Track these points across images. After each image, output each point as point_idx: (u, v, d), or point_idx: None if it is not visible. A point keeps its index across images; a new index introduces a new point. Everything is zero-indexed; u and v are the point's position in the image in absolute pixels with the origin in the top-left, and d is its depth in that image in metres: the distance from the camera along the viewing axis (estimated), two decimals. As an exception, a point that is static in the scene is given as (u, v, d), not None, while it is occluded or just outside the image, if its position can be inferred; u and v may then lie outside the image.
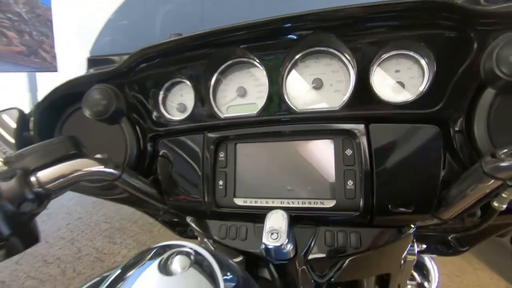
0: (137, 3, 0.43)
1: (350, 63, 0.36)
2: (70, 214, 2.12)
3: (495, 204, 0.30)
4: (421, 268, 0.54)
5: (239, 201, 0.39)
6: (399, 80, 0.35)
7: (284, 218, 0.33)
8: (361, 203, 0.34)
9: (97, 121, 0.41)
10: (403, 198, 0.34)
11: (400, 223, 0.36)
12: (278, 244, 0.31)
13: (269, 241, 0.31)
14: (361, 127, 0.35)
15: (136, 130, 0.44)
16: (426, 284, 0.52)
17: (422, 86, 0.33)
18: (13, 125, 0.43)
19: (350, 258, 0.36)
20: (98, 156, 0.36)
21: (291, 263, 0.35)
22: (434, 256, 0.50)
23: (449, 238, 0.49)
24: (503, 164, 0.25)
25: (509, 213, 0.38)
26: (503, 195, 0.29)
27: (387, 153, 0.34)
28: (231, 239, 0.39)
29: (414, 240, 0.44)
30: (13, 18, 2.70)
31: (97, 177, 0.35)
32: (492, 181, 0.27)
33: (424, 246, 0.44)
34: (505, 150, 0.26)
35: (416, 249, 0.44)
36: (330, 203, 0.36)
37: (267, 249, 0.32)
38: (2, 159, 0.34)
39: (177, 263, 0.27)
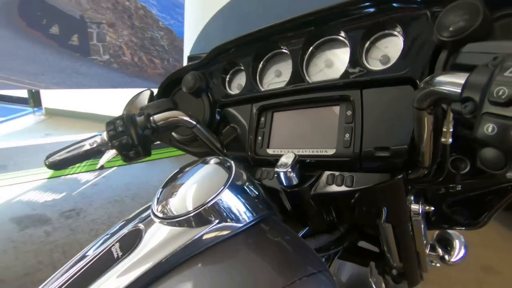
0: (214, 24, 0.67)
1: (348, 45, 0.47)
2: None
3: (442, 139, 0.34)
4: (446, 244, 0.54)
5: (270, 151, 0.55)
6: (386, 54, 0.44)
7: (292, 156, 0.46)
8: (353, 150, 0.44)
9: (189, 94, 0.65)
10: (383, 145, 0.42)
11: (384, 167, 0.43)
12: (284, 170, 0.45)
13: (279, 169, 0.46)
14: (357, 92, 0.46)
15: (210, 101, 0.66)
16: (446, 256, 0.52)
17: (398, 55, 0.42)
18: (147, 98, 0.72)
19: (346, 195, 0.46)
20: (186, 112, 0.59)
21: (300, 194, 0.48)
22: (461, 229, 0.50)
23: (459, 204, 0.49)
24: (421, 93, 0.30)
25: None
26: (444, 129, 0.33)
27: (373, 110, 0.44)
28: (263, 178, 0.55)
29: (421, 202, 0.48)
30: (159, 49, 3.70)
31: (183, 124, 0.58)
32: (425, 114, 0.33)
33: (432, 208, 0.47)
34: (426, 79, 0.30)
35: (420, 208, 0.47)
36: (331, 151, 0.47)
37: (278, 176, 0.47)
38: (139, 108, 0.62)
39: (212, 160, 0.45)
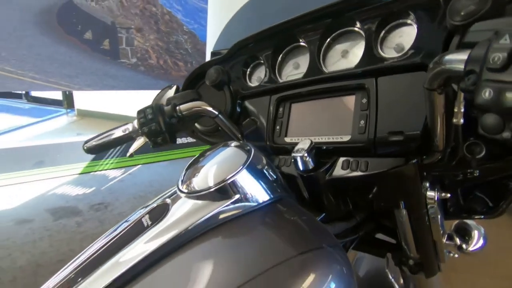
0: (235, 21, 0.72)
1: (363, 36, 0.49)
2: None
3: (454, 120, 0.35)
4: (464, 234, 0.53)
5: (287, 139, 0.57)
6: (400, 42, 0.46)
7: (308, 142, 0.49)
8: (367, 136, 0.46)
9: (212, 87, 0.69)
10: (396, 129, 0.43)
11: (398, 151, 0.44)
12: (301, 154, 0.48)
13: (296, 154, 0.48)
14: (372, 80, 0.47)
15: (231, 94, 0.70)
16: (464, 245, 0.51)
17: (412, 42, 0.43)
18: (173, 92, 0.77)
19: (361, 180, 0.47)
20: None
21: (316, 179, 0.50)
22: (480, 218, 0.50)
23: (476, 192, 0.48)
24: (431, 73, 0.31)
25: None
26: (455, 109, 0.33)
27: (388, 97, 0.45)
28: (281, 166, 0.57)
29: (437, 189, 0.48)
30: (183, 53, 3.84)
31: (205, 113, 0.62)
32: (436, 95, 0.34)
33: (448, 195, 0.47)
34: (435, 59, 0.31)
35: (436, 195, 0.48)
36: (347, 138, 0.49)
37: (295, 161, 0.49)
38: (167, 99, 0.66)
39: (232, 144, 0.49)
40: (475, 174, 0.44)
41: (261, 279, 0.32)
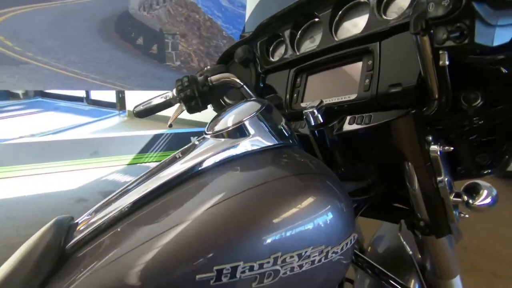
0: (259, 7, 0.80)
1: (370, 3, 0.55)
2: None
3: (440, 62, 0.36)
4: (473, 192, 0.53)
5: (303, 104, 0.64)
6: (401, 6, 0.51)
7: (318, 101, 0.56)
8: (371, 92, 0.52)
9: (240, 65, 0.79)
10: (395, 82, 0.48)
11: (398, 103, 0.48)
12: (311, 110, 0.54)
13: (307, 110, 0.55)
14: (376, 44, 0.53)
15: (256, 70, 0.79)
16: (470, 200, 0.51)
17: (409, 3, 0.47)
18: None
19: (366, 134, 0.52)
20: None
21: (325, 134, 0.56)
22: (488, 174, 0.50)
23: (480, 146, 0.49)
24: (413, 18, 0.36)
25: None
26: (440, 52, 0.34)
27: (390, 56, 0.49)
28: (297, 128, 0.64)
29: (440, 143, 0.51)
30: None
31: (232, 84, 0.72)
32: (422, 39, 0.38)
33: (451, 148, 0.49)
34: (413, 4, 0.36)
35: (439, 149, 0.50)
36: (354, 96, 0.54)
37: (306, 117, 0.56)
38: (201, 71, 0.78)
39: (252, 99, 0.57)
40: (480, 122, 0.47)
41: (259, 189, 0.40)
